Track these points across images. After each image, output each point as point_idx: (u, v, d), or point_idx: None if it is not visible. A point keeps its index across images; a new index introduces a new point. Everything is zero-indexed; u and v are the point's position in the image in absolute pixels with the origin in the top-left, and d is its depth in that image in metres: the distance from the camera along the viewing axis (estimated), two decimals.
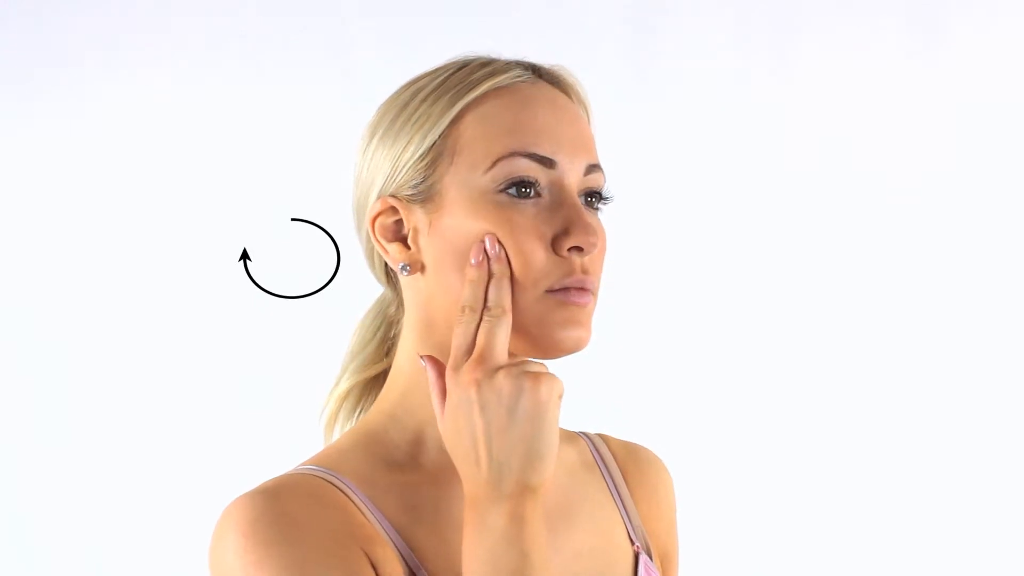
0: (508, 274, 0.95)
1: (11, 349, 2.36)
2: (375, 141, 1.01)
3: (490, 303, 0.94)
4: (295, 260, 2.27)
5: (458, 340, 0.95)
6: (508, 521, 0.90)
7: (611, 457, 1.14)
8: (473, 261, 0.95)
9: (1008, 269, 2.39)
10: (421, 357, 0.98)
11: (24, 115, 2.36)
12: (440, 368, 0.97)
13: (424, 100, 0.99)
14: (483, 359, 0.93)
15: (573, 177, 0.98)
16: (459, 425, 0.93)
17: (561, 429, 1.13)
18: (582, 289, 0.96)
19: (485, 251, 0.95)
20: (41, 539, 2.33)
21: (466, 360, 0.94)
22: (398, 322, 1.07)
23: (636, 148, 2.26)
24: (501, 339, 0.94)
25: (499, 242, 0.95)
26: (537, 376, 0.92)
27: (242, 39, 2.36)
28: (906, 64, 2.39)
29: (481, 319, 0.94)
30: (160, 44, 2.35)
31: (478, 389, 0.92)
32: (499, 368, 0.92)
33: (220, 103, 2.35)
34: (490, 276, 0.95)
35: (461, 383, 0.93)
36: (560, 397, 0.94)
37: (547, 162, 0.96)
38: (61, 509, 2.33)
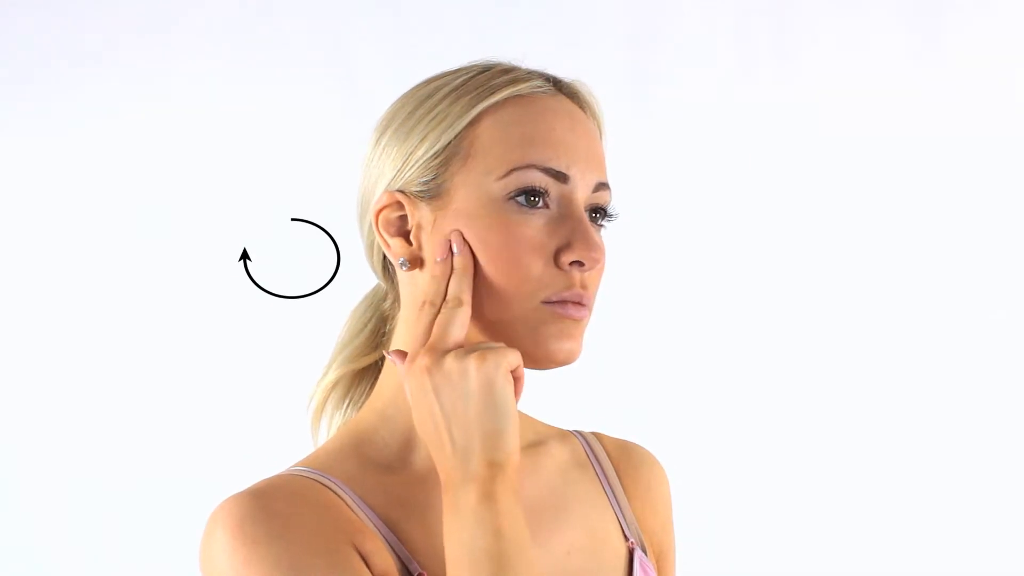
0: (471, 269, 0.95)
1: (11, 349, 2.36)
2: (388, 133, 1.01)
3: (448, 295, 0.95)
4: (295, 260, 2.27)
5: (415, 333, 0.96)
6: (478, 501, 0.90)
7: (605, 455, 1.14)
8: (438, 259, 0.96)
9: (1008, 269, 2.39)
10: (386, 353, 0.98)
11: (24, 115, 2.37)
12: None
13: (444, 98, 0.98)
14: (433, 346, 0.94)
15: (582, 192, 0.98)
16: (421, 414, 0.94)
17: (554, 428, 1.14)
18: (579, 304, 0.96)
19: (451, 248, 0.96)
20: (41, 539, 2.33)
21: None
22: (392, 317, 1.07)
23: (634, 149, 2.25)
24: (455, 328, 0.94)
25: (463, 239, 0.95)
26: (483, 353, 0.93)
27: (242, 40, 2.36)
28: (906, 66, 2.39)
29: (439, 312, 0.95)
30: (160, 45, 2.36)
31: (429, 375, 0.93)
32: (447, 352, 0.93)
33: (220, 103, 2.35)
34: (452, 271, 0.96)
35: (414, 372, 0.94)
36: (512, 369, 0.94)
37: (561, 176, 0.96)
38: (61, 509, 2.33)
